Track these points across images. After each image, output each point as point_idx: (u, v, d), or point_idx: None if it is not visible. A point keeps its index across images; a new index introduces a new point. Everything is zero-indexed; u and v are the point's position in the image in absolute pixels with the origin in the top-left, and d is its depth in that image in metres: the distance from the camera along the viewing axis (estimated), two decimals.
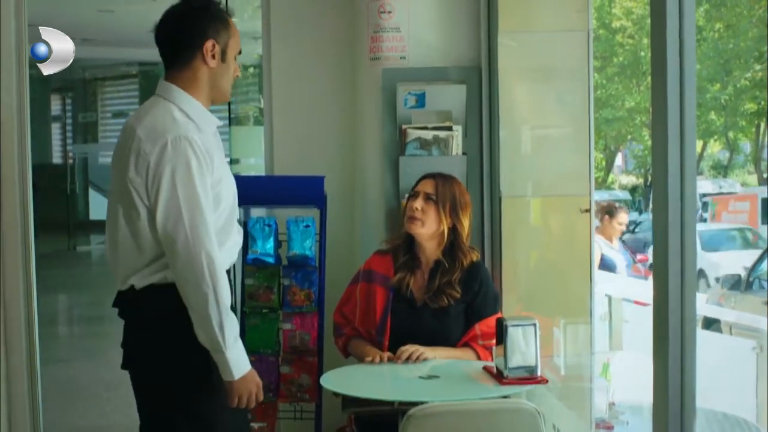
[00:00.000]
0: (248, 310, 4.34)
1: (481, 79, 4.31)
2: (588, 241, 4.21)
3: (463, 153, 4.27)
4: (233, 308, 2.86)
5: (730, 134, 27.68)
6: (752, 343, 6.70)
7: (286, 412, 4.40)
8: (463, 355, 3.74)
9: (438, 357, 3.65)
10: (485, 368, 3.58)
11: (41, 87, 15.85)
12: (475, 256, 3.84)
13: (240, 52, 3.02)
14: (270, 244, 4.28)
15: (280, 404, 4.36)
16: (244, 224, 4.34)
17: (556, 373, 4.00)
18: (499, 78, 4.24)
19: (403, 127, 4.23)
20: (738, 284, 10.79)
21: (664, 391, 2.63)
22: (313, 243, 4.27)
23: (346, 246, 4.54)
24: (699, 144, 27.20)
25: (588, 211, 4.18)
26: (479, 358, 3.72)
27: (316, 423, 4.30)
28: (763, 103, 26.92)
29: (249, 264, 4.31)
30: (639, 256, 15.57)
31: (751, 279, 10.86)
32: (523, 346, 3.39)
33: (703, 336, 8.17)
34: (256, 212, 4.51)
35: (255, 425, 4.29)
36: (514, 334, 3.40)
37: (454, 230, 3.78)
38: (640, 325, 7.41)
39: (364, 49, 4.40)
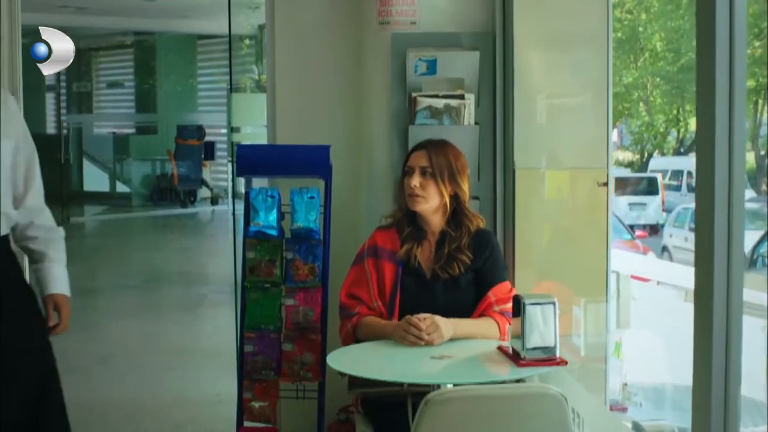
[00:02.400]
0: (249, 284, 4.22)
1: (495, 46, 4.18)
2: (605, 216, 4.07)
3: (476, 123, 4.14)
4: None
5: None
6: (762, 323, 6.59)
7: (287, 391, 4.27)
8: (484, 326, 3.57)
9: (459, 332, 3.47)
10: (500, 348, 3.41)
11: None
12: (481, 222, 3.71)
13: None
14: (273, 216, 4.15)
15: (282, 383, 4.23)
16: (246, 195, 4.22)
17: (575, 354, 3.83)
18: (514, 44, 4.10)
19: (413, 94, 4.11)
20: None
21: (706, 380, 2.45)
22: (317, 215, 4.15)
23: (351, 219, 4.42)
24: (693, 121, 27.29)
25: (605, 184, 4.03)
26: (500, 326, 3.57)
27: (319, 403, 4.19)
28: (761, 79, 27.02)
29: (250, 237, 4.18)
30: (638, 232, 15.48)
31: (755, 256, 10.76)
32: (542, 326, 3.23)
33: None
34: (258, 183, 4.37)
35: (256, 404, 4.21)
36: (533, 312, 3.23)
37: (455, 197, 3.64)
38: (645, 303, 7.31)
39: (372, 13, 4.27)
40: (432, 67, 4.11)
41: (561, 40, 4.22)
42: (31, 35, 4.20)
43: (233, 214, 8.32)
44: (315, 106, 4.50)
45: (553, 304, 3.25)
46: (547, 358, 3.23)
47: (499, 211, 4.18)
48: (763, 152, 27.64)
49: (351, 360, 3.42)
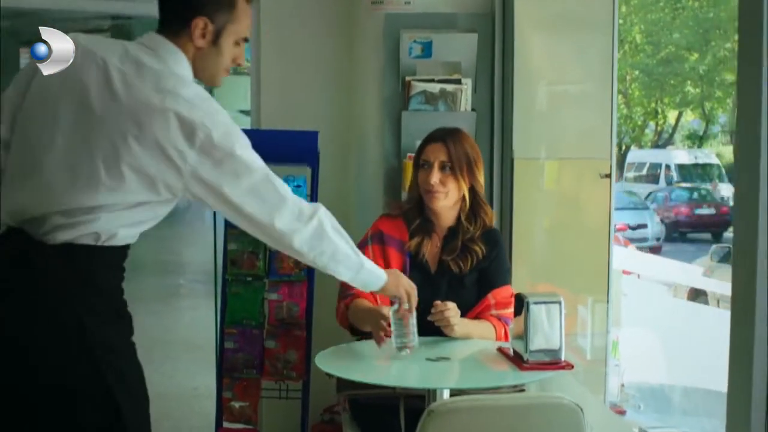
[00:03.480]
0: (230, 277, 4.07)
1: (494, 28, 4.03)
2: (607, 210, 3.94)
3: (472, 109, 3.99)
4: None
5: (707, 105, 27.79)
6: None
7: (270, 390, 4.11)
8: (481, 327, 3.39)
9: (460, 333, 3.27)
10: (500, 350, 3.21)
11: (11, 40, 15.68)
12: (493, 217, 3.55)
13: (246, 40, 2.61)
14: None
15: (264, 382, 4.07)
16: None
17: (579, 356, 3.64)
18: (514, 26, 3.96)
19: (407, 78, 3.97)
20: (727, 256, 10.58)
21: (745, 388, 2.24)
22: None
23: (340, 209, 4.06)
24: (674, 114, 27.29)
25: (608, 176, 3.91)
26: (496, 331, 3.39)
27: (302, 403, 4.03)
28: None
29: (232, 227, 3.90)
30: (618, 224, 15.37)
31: None
32: (547, 327, 3.02)
33: (710, 312, 7.96)
34: None
35: (236, 404, 4.07)
36: (537, 312, 3.02)
37: (472, 190, 3.46)
38: (633, 299, 7.16)
39: None
40: (427, 49, 3.98)
41: (564, 22, 4.09)
42: (12, 18, 4.01)
43: None
44: (302, 90, 4.35)
45: (559, 303, 3.04)
46: (552, 361, 3.02)
47: (496, 202, 4.04)
48: None
49: (341, 360, 3.21)
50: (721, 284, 8.72)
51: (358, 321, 3.35)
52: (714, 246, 11.00)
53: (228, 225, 4.01)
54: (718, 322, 7.01)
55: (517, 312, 3.11)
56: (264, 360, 4.03)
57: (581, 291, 3.95)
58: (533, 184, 4.04)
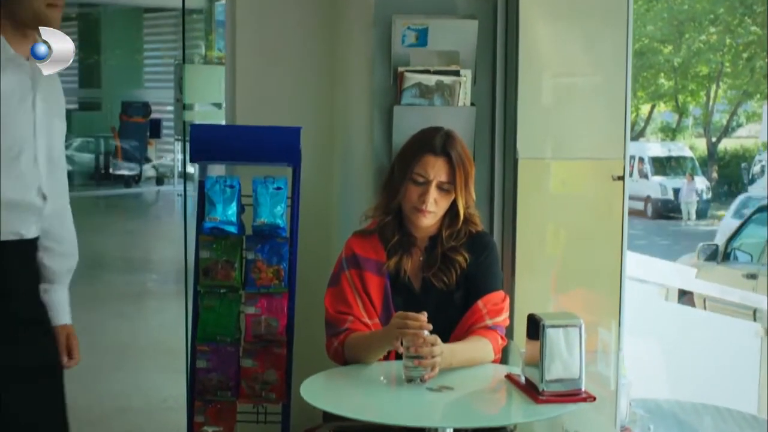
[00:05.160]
0: (203, 289, 3.75)
1: (496, 14, 3.73)
2: (620, 215, 3.64)
3: (472, 104, 3.68)
4: None
5: (680, 97, 27.92)
6: (757, 327, 6.21)
7: (246, 414, 3.81)
8: (478, 349, 3.07)
9: (456, 362, 2.94)
10: (510, 377, 2.87)
11: None
12: (480, 227, 3.29)
13: None
14: (232, 210, 3.68)
15: (240, 405, 3.78)
16: (200, 184, 3.75)
17: (592, 380, 3.32)
18: (519, 12, 3.66)
19: (400, 69, 3.67)
20: (715, 255, 10.36)
21: None
22: (284, 209, 3.68)
23: (323, 214, 3.98)
24: (647, 107, 27.35)
25: (621, 178, 3.62)
26: (493, 346, 3.10)
27: (282, 427, 3.73)
28: (715, 66, 27.14)
29: (205, 233, 3.70)
30: None
31: (728, 250, 10.47)
32: (565, 353, 2.71)
33: (702, 317, 7.70)
34: (216, 170, 3.93)
35: (209, 429, 3.76)
36: (554, 337, 2.71)
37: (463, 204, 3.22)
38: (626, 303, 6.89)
39: None
40: (422, 37, 3.69)
41: (574, 8, 3.77)
42: None
43: (184, 198, 7.94)
44: (282, 82, 4.05)
45: (579, 326, 2.72)
46: (571, 392, 2.73)
47: (497, 207, 3.75)
48: (714, 139, 27.79)
49: (330, 389, 2.93)
50: (717, 287, 8.45)
51: (364, 352, 3.07)
52: (701, 244, 10.77)
53: (200, 231, 3.73)
54: (715, 328, 6.76)
55: (530, 334, 2.79)
56: (240, 381, 3.73)
57: (591, 303, 3.64)
58: (539, 186, 3.75)
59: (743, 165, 27.22)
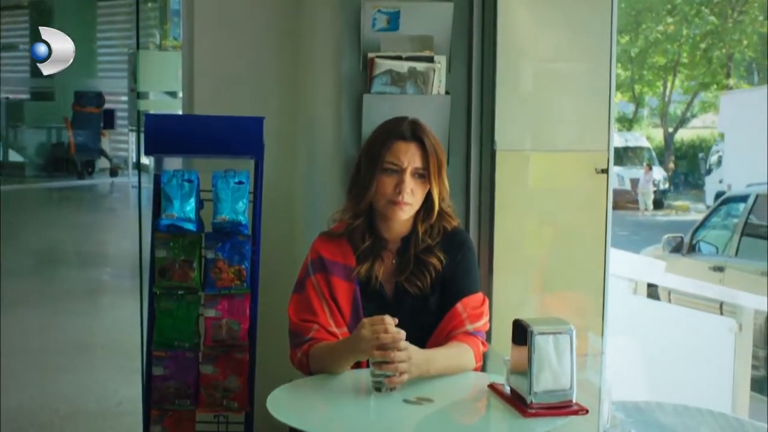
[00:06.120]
0: (159, 291, 3.60)
1: None
2: (604, 210, 3.49)
3: (446, 92, 3.52)
4: None
5: (637, 87, 28.15)
6: (730, 323, 6.09)
7: (206, 423, 3.65)
8: (458, 355, 2.88)
9: (433, 369, 2.76)
10: (493, 387, 2.68)
11: None
12: (456, 222, 3.10)
13: None
14: (190, 206, 3.53)
15: (200, 414, 3.62)
16: (156, 179, 3.59)
17: (584, 390, 3.14)
18: None
19: (370, 55, 3.50)
20: (680, 247, 10.26)
21: None
22: (246, 205, 3.54)
23: (287, 209, 3.85)
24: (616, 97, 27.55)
25: (605, 171, 3.48)
26: (474, 352, 2.91)
27: None
28: (672, 56, 27.41)
29: (161, 231, 3.55)
30: None
31: (693, 242, 10.39)
32: (555, 362, 2.53)
33: (674, 312, 7.57)
34: (172, 163, 3.79)
35: None
36: (543, 344, 2.52)
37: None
38: None
39: None
40: (394, 21, 3.52)
41: None
42: None
43: (139, 191, 7.83)
44: (243, 68, 3.91)
45: (570, 333, 2.54)
46: (562, 404, 2.55)
47: (474, 202, 3.58)
48: (671, 129, 28.03)
49: (297, 401, 2.72)
50: (690, 282, 8.34)
51: (330, 363, 2.86)
52: (666, 236, 10.68)
53: (155, 228, 3.58)
54: (688, 323, 6.63)
55: (516, 341, 2.60)
56: (199, 388, 3.59)
57: (574, 303, 3.52)
58: (518, 180, 3.60)
59: (700, 155, 27.49)
